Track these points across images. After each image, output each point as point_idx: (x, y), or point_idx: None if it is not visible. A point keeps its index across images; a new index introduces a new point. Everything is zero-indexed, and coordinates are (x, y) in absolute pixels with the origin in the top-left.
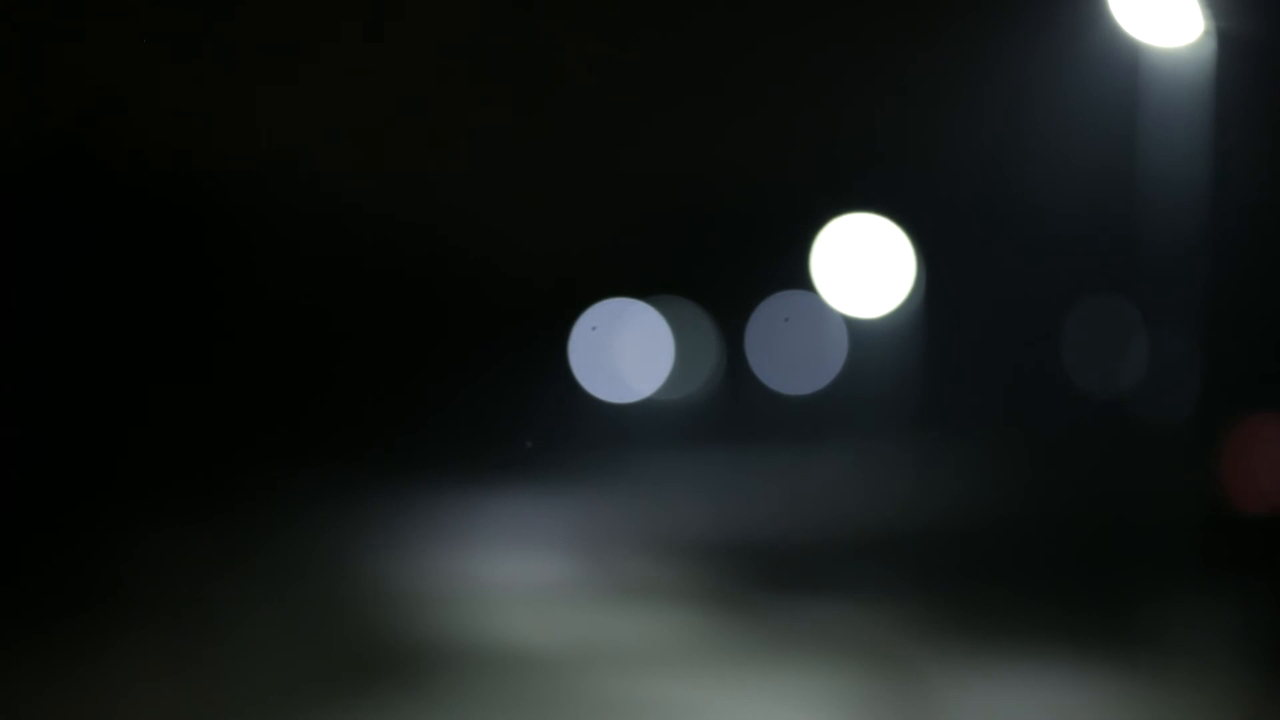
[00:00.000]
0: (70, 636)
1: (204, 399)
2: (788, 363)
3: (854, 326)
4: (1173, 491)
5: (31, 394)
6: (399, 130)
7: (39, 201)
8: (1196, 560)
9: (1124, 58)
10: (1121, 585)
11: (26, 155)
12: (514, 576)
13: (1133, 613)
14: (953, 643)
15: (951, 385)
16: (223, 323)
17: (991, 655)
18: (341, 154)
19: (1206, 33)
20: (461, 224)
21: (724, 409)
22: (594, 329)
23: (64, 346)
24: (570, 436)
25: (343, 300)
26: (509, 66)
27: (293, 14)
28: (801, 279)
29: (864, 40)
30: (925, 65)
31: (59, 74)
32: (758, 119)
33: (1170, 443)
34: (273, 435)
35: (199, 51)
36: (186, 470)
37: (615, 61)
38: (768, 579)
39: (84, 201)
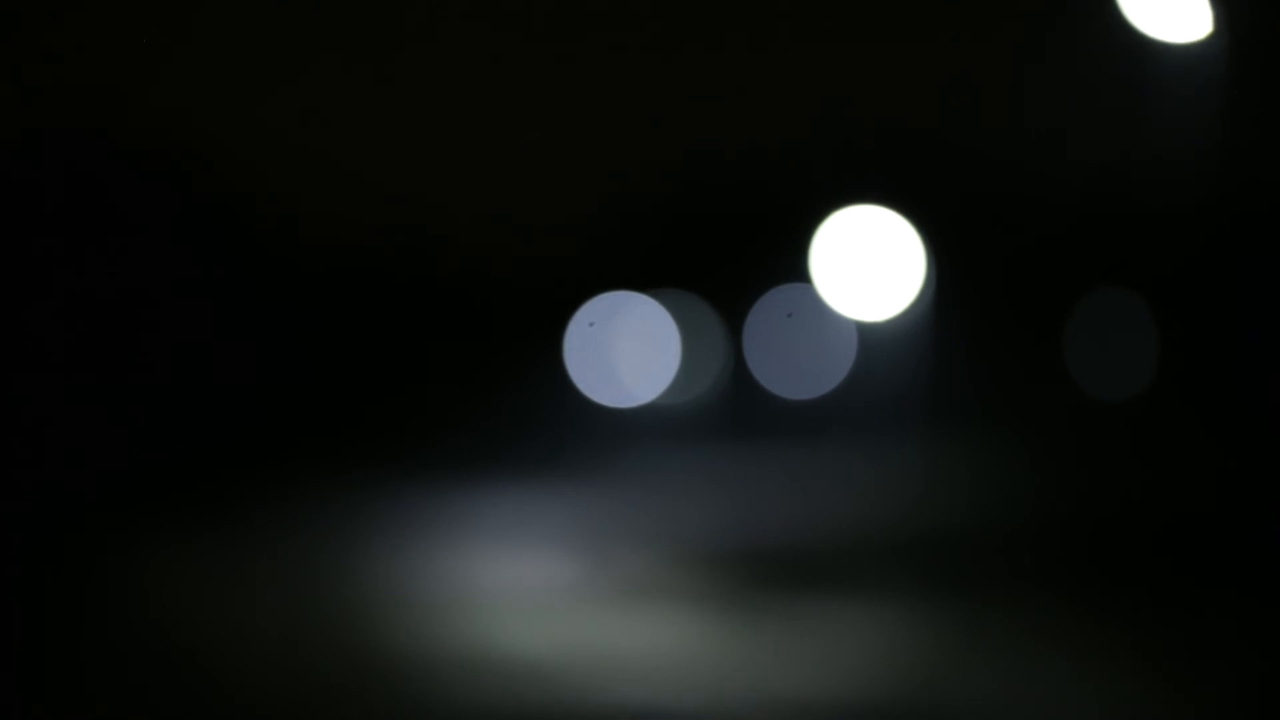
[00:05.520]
0: (66, 637)
1: (199, 401)
2: (790, 364)
3: (861, 329)
4: (1179, 491)
5: (34, 397)
6: (388, 122)
7: (38, 196)
8: (1200, 561)
9: (1133, 53)
10: (1126, 587)
11: (27, 150)
12: (516, 580)
13: (1136, 614)
14: (959, 644)
15: (958, 386)
16: (217, 323)
17: (999, 657)
18: (332, 150)
19: (1216, 30)
20: (451, 216)
21: (732, 409)
22: (591, 325)
23: (64, 347)
24: (573, 437)
25: (335, 301)
26: (504, 56)
27: (289, 15)
28: (805, 274)
29: (869, 30)
30: (931, 57)
31: (60, 72)
32: (762, 107)
33: (1177, 443)
34: (267, 438)
35: (197, 51)
36: (182, 474)
37: (613, 49)
38: (777, 581)
39: (81, 200)
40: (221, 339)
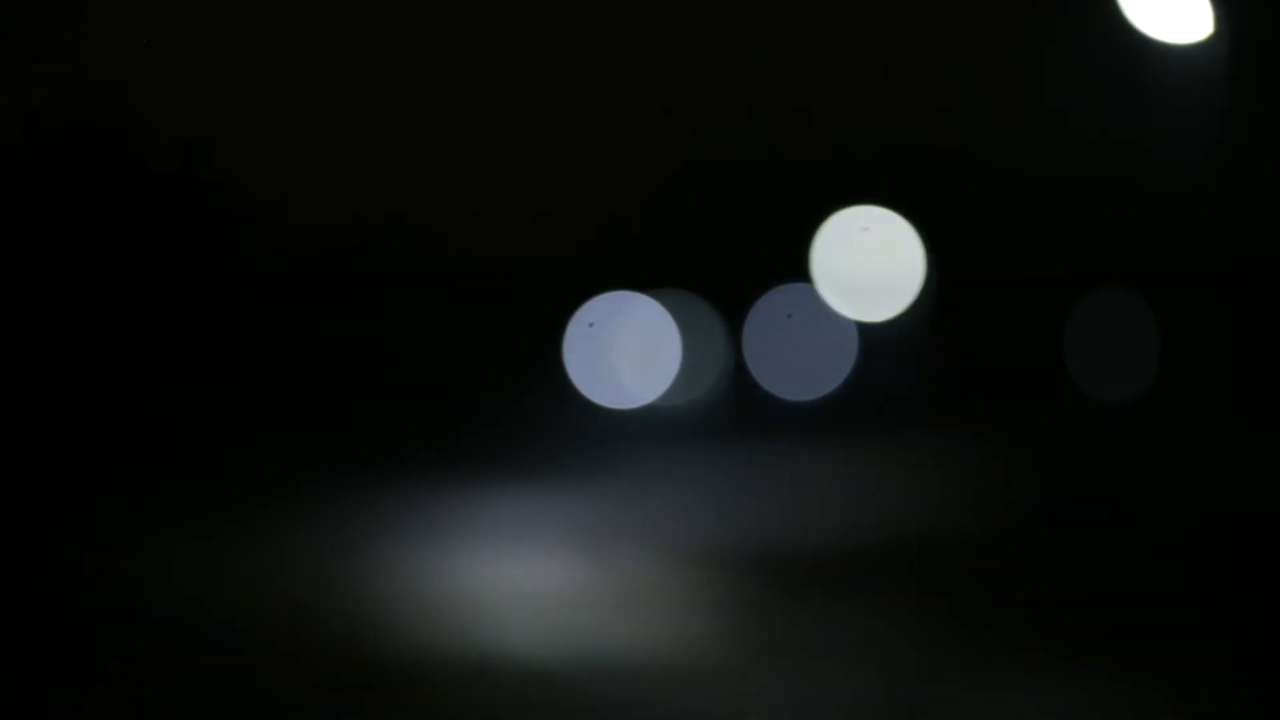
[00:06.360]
0: (67, 636)
1: (201, 402)
2: (790, 365)
3: (861, 329)
4: (1176, 492)
5: (38, 399)
6: (390, 125)
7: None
8: (1196, 562)
9: (1133, 53)
10: (1122, 588)
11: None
12: (516, 581)
13: (1131, 614)
14: (955, 645)
15: (958, 386)
16: (218, 325)
17: (995, 658)
18: (333, 153)
19: (1216, 30)
20: (452, 217)
21: (732, 410)
22: (591, 325)
23: (67, 349)
24: (573, 438)
25: (336, 303)
26: (503, 51)
27: (291, 15)
28: (805, 274)
29: (870, 28)
30: (931, 57)
31: (60, 71)
32: (762, 108)
33: (1175, 443)
34: (268, 438)
35: (199, 51)
36: (183, 475)
37: (612, 45)
38: (776, 582)
39: (84, 202)
40: (222, 340)
